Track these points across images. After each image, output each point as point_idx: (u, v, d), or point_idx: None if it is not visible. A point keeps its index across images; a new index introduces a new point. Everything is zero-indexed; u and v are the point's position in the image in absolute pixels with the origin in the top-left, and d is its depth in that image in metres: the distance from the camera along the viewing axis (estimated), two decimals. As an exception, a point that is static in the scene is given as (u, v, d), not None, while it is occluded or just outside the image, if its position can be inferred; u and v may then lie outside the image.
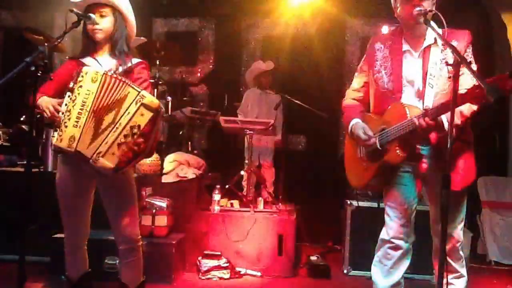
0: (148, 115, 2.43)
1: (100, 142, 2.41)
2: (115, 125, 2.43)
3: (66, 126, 2.41)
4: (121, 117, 2.43)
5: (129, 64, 2.65)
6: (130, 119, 2.42)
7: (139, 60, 2.74)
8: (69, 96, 2.45)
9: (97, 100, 2.43)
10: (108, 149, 2.41)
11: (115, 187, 2.66)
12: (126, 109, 2.43)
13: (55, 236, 3.74)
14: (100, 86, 2.43)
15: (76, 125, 2.41)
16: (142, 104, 2.43)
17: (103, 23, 2.61)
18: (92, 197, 2.73)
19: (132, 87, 2.46)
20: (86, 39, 2.67)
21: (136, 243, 2.73)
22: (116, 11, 2.64)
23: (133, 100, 2.43)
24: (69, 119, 2.42)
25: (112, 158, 2.41)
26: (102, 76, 2.44)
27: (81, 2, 2.59)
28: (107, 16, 2.62)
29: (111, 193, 2.67)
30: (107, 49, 2.68)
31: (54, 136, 2.46)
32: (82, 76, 2.44)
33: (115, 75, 2.48)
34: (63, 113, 2.44)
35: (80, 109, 2.42)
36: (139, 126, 2.42)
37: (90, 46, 2.68)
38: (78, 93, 2.43)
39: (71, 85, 2.47)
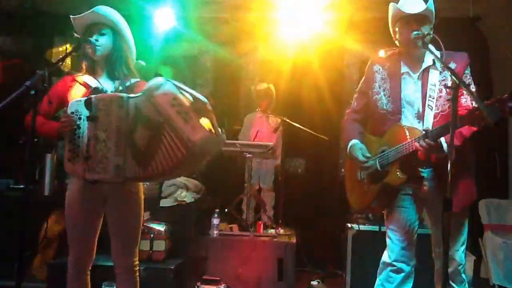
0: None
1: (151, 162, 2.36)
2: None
3: (107, 158, 2.38)
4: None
5: (127, 84, 2.66)
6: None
7: (137, 79, 2.74)
8: (93, 126, 2.41)
9: (129, 125, 2.39)
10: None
11: (124, 218, 2.65)
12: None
13: (52, 262, 3.69)
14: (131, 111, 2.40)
15: (118, 153, 2.38)
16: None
17: (102, 40, 2.63)
18: (100, 223, 2.68)
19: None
20: (85, 59, 2.68)
21: (132, 267, 2.70)
22: (115, 32, 2.67)
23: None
24: (108, 149, 2.38)
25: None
26: (127, 101, 2.41)
27: (81, 19, 2.61)
28: (106, 34, 2.64)
29: (119, 223, 2.65)
30: (106, 70, 2.68)
31: (67, 162, 2.43)
32: (106, 105, 2.41)
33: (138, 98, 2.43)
34: (90, 144, 2.40)
35: (117, 137, 2.38)
36: None
37: (90, 66, 2.68)
38: (109, 121, 2.39)
39: (87, 113, 2.42)
